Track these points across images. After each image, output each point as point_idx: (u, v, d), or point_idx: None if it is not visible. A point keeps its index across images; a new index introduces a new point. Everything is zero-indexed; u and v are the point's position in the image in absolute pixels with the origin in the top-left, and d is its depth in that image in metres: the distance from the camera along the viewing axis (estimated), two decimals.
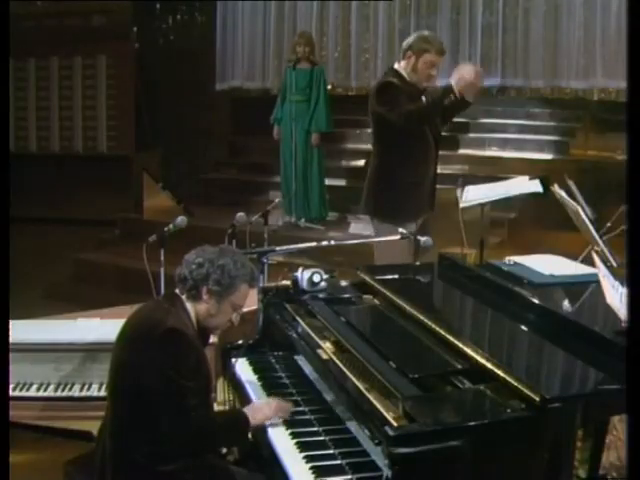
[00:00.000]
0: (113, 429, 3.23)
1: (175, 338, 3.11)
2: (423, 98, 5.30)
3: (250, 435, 3.31)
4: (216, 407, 3.78)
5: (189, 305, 3.30)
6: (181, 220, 5.15)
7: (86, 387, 4.31)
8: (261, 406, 3.34)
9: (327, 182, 8.97)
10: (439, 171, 5.81)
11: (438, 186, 5.80)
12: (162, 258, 5.06)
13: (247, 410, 3.33)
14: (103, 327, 4.40)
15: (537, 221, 8.00)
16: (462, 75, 5.16)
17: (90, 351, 4.32)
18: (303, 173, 8.70)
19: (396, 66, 5.57)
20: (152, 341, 3.10)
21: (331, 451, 3.02)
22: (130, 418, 3.16)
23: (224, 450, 3.45)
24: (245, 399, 3.63)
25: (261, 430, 3.28)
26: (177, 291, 3.34)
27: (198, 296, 3.28)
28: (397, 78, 5.46)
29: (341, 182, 9.49)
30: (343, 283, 4.15)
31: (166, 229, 5.05)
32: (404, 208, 5.42)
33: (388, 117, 5.32)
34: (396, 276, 4.17)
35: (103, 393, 4.11)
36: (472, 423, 2.54)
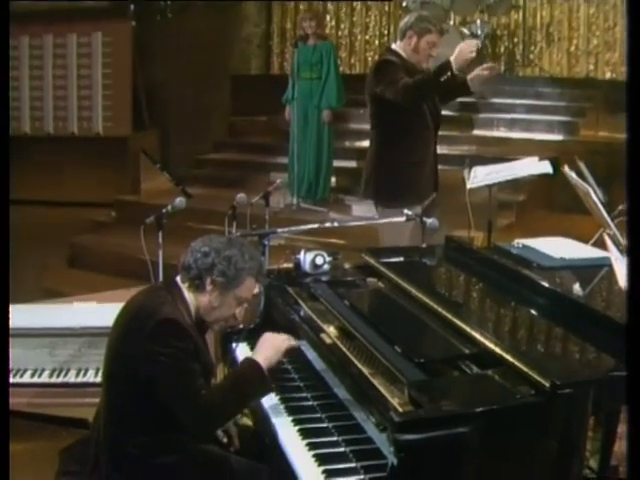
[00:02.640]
0: (107, 418, 3.23)
1: (169, 328, 3.09)
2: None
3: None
4: None
5: (190, 295, 3.26)
6: (180, 202, 5.15)
7: (82, 373, 4.31)
8: (267, 344, 3.28)
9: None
10: (445, 152, 5.84)
11: (444, 167, 5.80)
12: (160, 240, 5.06)
13: (255, 355, 3.26)
14: (100, 311, 4.38)
15: (547, 204, 8.00)
16: (462, 50, 5.15)
17: (86, 336, 4.31)
18: (316, 153, 8.70)
19: (394, 46, 5.58)
20: (146, 331, 3.08)
21: (335, 438, 3.03)
22: (124, 407, 3.17)
23: (225, 439, 3.45)
24: None
25: (263, 417, 3.28)
26: (178, 279, 3.30)
27: (201, 286, 3.24)
28: (395, 57, 5.45)
29: (345, 163, 9.47)
30: (347, 266, 4.15)
31: (164, 211, 5.05)
32: (405, 191, 5.41)
33: (386, 94, 5.31)
34: (401, 259, 4.17)
35: (100, 379, 4.09)
36: (480, 409, 2.54)
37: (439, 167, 5.75)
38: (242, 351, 3.82)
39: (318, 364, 3.38)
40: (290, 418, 3.23)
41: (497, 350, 2.85)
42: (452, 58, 5.16)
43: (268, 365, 3.23)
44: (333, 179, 8.97)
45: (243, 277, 3.23)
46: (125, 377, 3.15)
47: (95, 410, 3.39)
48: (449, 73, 5.14)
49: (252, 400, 3.31)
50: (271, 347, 3.28)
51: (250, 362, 3.25)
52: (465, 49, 5.14)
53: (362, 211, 7.34)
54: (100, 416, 3.29)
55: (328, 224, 4.67)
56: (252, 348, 3.82)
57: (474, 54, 5.18)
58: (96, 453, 3.23)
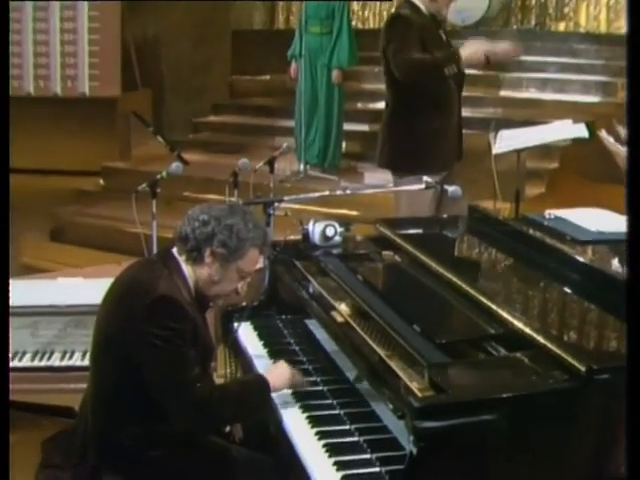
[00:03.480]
0: (95, 405, 3.24)
1: (166, 307, 3.07)
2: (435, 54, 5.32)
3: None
4: (216, 380, 3.80)
5: (188, 268, 3.24)
6: (176, 167, 5.15)
7: (68, 356, 4.32)
8: (281, 371, 3.30)
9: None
10: (468, 114, 5.83)
11: (468, 131, 5.78)
12: (154, 210, 5.05)
13: (267, 373, 3.30)
14: (87, 287, 4.39)
15: (581, 172, 7.96)
16: (476, 52, 5.20)
17: (72, 314, 4.31)
18: (326, 115, 8.67)
19: None
20: (139, 310, 3.06)
21: (347, 427, 3.04)
22: (114, 394, 3.17)
23: (227, 429, 3.46)
24: (248, 368, 3.64)
25: None
26: (174, 250, 3.28)
27: (200, 258, 3.21)
28: (411, 10, 5.43)
29: (358, 126, 9.44)
30: (360, 238, 4.16)
31: (159, 177, 5.05)
32: (425, 161, 5.39)
33: (390, 63, 5.32)
34: (420, 230, 4.19)
35: (87, 362, 4.11)
36: (508, 395, 2.54)
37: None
38: (245, 331, 3.83)
39: (328, 345, 3.39)
40: (298, 404, 3.22)
41: (527, 331, 2.86)
42: (463, 54, 5.17)
43: (273, 391, 3.24)
44: (344, 144, 8.94)
45: (246, 248, 3.21)
46: (115, 361, 3.15)
47: (82, 397, 3.39)
48: (455, 68, 5.17)
49: (248, 413, 3.30)
50: (284, 380, 3.28)
51: (260, 377, 3.27)
52: (480, 51, 5.18)
53: (376, 179, 7.34)
54: (88, 403, 3.29)
55: (339, 192, 4.64)
56: (255, 328, 3.85)
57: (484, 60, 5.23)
58: (83, 444, 3.23)
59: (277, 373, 3.29)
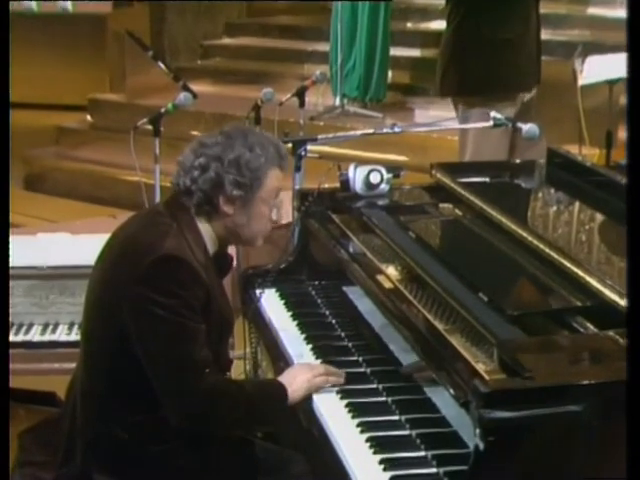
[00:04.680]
0: (86, 390, 3.25)
1: (172, 268, 3.07)
2: None
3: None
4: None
5: (204, 224, 3.24)
6: (185, 98, 5.14)
7: (50, 329, 4.34)
8: (301, 373, 3.30)
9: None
10: (548, 37, 5.79)
11: (548, 58, 5.75)
12: (157, 151, 5.05)
13: (283, 379, 3.30)
14: (74, 245, 4.41)
15: None
16: None
17: (56, 278, 4.34)
18: (368, 36, 8.66)
19: None
20: (140, 272, 3.06)
21: (396, 417, 3.05)
22: (110, 376, 3.18)
23: None
24: (273, 345, 3.68)
25: None
26: (185, 200, 3.27)
27: (214, 211, 3.22)
28: None
29: (407, 51, 9.44)
30: (412, 187, 4.17)
31: (163, 110, 5.05)
32: (497, 78, 5.42)
33: None
34: (487, 179, 4.16)
35: (74, 337, 4.15)
36: (598, 381, 2.54)
37: None
38: (269, 300, 3.86)
39: (372, 318, 3.41)
40: (335, 389, 3.24)
41: (623, 304, 2.85)
42: None
43: (291, 401, 3.24)
44: (390, 73, 8.93)
45: (263, 175, 3.21)
46: (111, 335, 3.16)
47: (69, 380, 3.41)
48: None
49: (256, 423, 3.34)
50: (299, 393, 3.26)
51: (281, 385, 3.26)
52: None
53: (429, 116, 7.32)
54: (76, 387, 3.30)
55: (386, 130, 4.61)
56: (282, 296, 3.87)
57: None
58: (70, 438, 3.25)
59: (295, 382, 3.27)
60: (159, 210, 3.37)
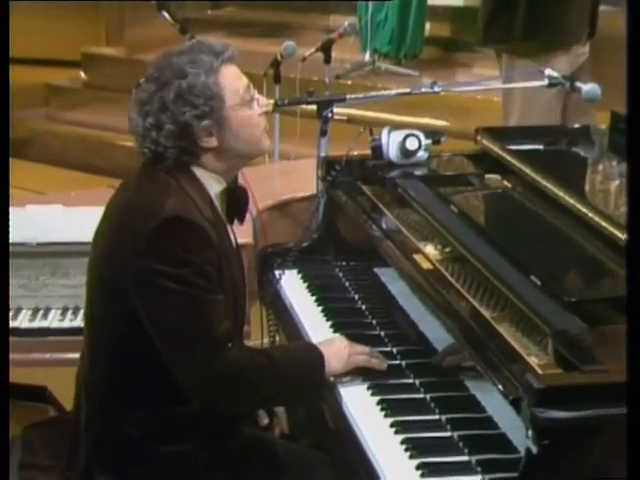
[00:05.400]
0: (89, 382, 3.28)
1: (177, 232, 3.07)
2: None
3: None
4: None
5: (199, 169, 3.24)
6: None
7: (40, 314, 4.33)
8: (343, 345, 3.30)
9: None
10: None
11: (603, 7, 5.74)
12: None
13: (321, 347, 3.30)
14: (67, 219, 4.41)
15: None
16: None
17: (47, 256, 4.33)
18: None
19: None
20: (142, 241, 3.05)
21: (435, 417, 3.06)
22: (117, 365, 3.19)
23: (265, 421, 3.51)
24: (294, 334, 3.68)
25: None
26: None
27: (199, 152, 3.21)
28: None
29: (446, 0, 9.40)
30: (454, 155, 4.18)
31: None
32: (549, 24, 5.40)
33: None
34: (540, 146, 4.15)
35: (68, 324, 4.16)
36: None
37: None
38: (290, 283, 3.88)
39: (408, 303, 3.42)
40: (365, 385, 3.25)
41: None
42: None
43: (327, 372, 3.25)
44: (427, 25, 8.91)
45: (214, 87, 3.16)
46: (117, 318, 3.16)
47: (75, 370, 3.41)
48: None
49: (293, 394, 3.32)
50: (340, 362, 3.27)
51: (314, 347, 3.28)
52: None
53: (473, 75, 7.29)
54: (80, 380, 3.33)
55: (425, 90, 4.59)
56: (305, 278, 3.87)
57: None
58: (75, 437, 3.27)
59: (333, 350, 3.28)
60: (153, 169, 3.28)
